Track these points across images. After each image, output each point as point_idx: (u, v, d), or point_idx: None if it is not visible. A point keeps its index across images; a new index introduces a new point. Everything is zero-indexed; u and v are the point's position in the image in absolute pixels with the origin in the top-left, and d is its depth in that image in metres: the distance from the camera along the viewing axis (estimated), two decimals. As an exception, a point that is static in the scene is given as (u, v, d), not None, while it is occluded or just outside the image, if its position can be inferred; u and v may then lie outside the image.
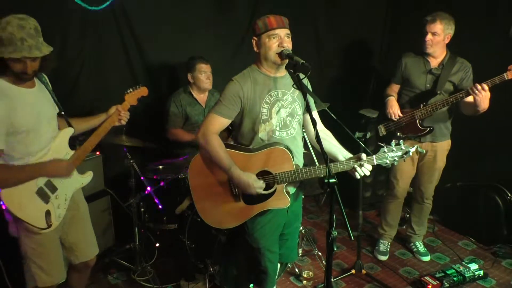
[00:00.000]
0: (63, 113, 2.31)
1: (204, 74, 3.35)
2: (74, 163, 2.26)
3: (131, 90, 2.50)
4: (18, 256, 2.65)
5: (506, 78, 2.71)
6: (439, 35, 2.96)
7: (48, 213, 2.14)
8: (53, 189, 2.19)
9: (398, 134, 3.17)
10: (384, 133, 3.28)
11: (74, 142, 2.36)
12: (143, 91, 2.54)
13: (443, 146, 3.20)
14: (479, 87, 2.74)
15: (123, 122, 2.44)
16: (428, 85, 3.09)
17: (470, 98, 2.85)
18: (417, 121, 3.09)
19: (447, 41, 3.02)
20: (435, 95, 3.03)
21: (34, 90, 2.13)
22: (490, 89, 2.76)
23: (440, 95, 3.02)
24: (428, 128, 3.09)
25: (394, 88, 3.30)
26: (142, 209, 3.19)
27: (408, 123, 3.13)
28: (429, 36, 2.98)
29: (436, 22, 2.95)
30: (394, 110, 3.15)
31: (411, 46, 3.24)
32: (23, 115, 2.02)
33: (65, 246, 2.38)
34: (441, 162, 3.25)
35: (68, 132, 2.28)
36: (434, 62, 3.09)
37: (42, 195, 2.14)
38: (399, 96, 3.27)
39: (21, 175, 2.05)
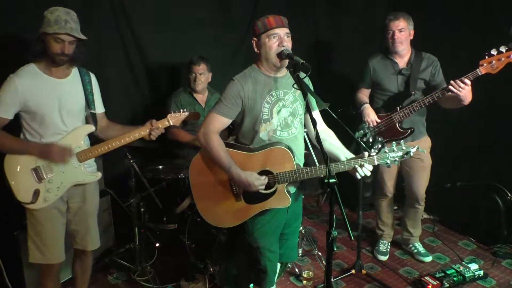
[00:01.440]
0: (93, 112, 2.42)
1: (193, 75, 3.35)
2: (80, 156, 2.35)
3: (179, 111, 2.54)
4: (18, 256, 2.66)
5: (480, 74, 2.72)
6: (405, 30, 3.00)
7: (36, 192, 2.26)
8: (50, 172, 2.29)
9: (380, 139, 3.15)
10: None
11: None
12: (195, 116, 2.60)
13: (425, 144, 3.18)
14: (461, 84, 2.72)
15: (153, 138, 2.46)
16: (400, 87, 3.10)
17: (451, 94, 2.84)
18: (397, 124, 3.08)
19: (411, 37, 3.06)
20: (410, 96, 3.04)
21: (64, 81, 2.30)
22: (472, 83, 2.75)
23: (415, 95, 3.03)
24: (409, 130, 3.08)
25: (365, 93, 3.29)
26: (142, 209, 3.19)
27: (388, 127, 3.11)
28: (397, 34, 3.00)
29: (399, 19, 2.99)
30: (372, 117, 3.13)
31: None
32: (39, 100, 2.21)
33: (68, 230, 2.48)
34: (427, 160, 3.24)
35: (87, 128, 2.41)
36: (401, 62, 3.10)
37: (37, 173, 2.27)
38: (372, 100, 3.26)
39: (14, 145, 2.24)
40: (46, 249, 2.33)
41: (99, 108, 2.51)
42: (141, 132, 2.44)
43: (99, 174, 2.47)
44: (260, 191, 2.24)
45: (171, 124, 2.51)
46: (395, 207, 3.66)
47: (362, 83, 3.29)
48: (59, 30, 2.14)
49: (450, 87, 2.77)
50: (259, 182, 2.20)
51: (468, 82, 2.72)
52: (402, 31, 3.00)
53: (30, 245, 2.32)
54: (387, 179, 3.35)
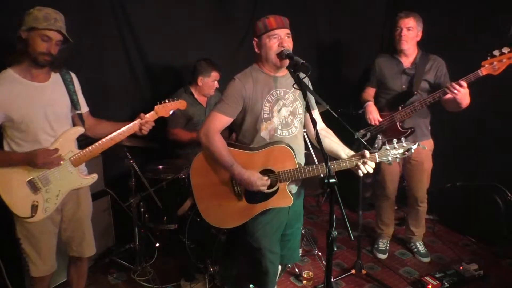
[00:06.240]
0: (79, 112, 2.34)
1: (215, 83, 3.35)
2: (74, 160, 2.26)
3: (165, 101, 2.42)
4: (18, 256, 2.66)
5: (481, 75, 2.71)
6: (413, 30, 3.00)
7: (34, 204, 2.18)
8: (46, 182, 2.21)
9: (380, 137, 3.15)
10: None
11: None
12: (180, 104, 2.48)
13: (427, 146, 3.16)
14: (456, 86, 2.73)
15: (144, 132, 2.37)
16: (404, 86, 3.10)
17: (450, 96, 2.84)
18: (397, 123, 3.08)
19: (418, 38, 3.06)
20: (412, 96, 3.03)
21: (46, 85, 2.18)
22: (470, 86, 2.73)
23: (417, 95, 3.02)
24: (410, 130, 3.08)
25: (370, 92, 3.30)
26: (142, 209, 3.19)
27: (389, 126, 3.12)
28: (404, 31, 3.00)
29: (410, 17, 2.99)
30: (374, 115, 3.13)
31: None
32: (21, 108, 2.08)
33: (62, 239, 2.43)
34: (427, 163, 3.24)
35: (76, 130, 2.30)
36: (406, 62, 3.10)
37: (32, 185, 2.19)
38: (376, 99, 3.26)
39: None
40: (42, 262, 2.30)
41: (84, 107, 2.39)
42: (131, 127, 2.33)
43: (95, 176, 2.37)
44: (263, 190, 2.24)
45: (159, 115, 2.41)
46: (395, 207, 3.65)
47: (368, 82, 3.30)
48: (49, 26, 2.04)
49: (446, 89, 2.78)
50: (261, 182, 2.21)
51: (464, 84, 2.72)
52: (410, 30, 2.99)
53: (28, 260, 2.28)
54: (388, 181, 3.35)
